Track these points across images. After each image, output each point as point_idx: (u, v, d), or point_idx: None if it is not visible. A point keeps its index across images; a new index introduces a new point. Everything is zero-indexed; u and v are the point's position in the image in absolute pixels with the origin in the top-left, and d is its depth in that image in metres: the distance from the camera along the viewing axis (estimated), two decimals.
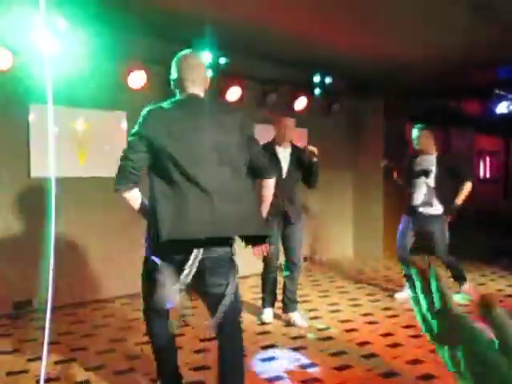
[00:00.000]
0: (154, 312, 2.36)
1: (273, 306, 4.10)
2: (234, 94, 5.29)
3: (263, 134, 5.81)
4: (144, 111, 2.15)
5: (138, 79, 4.58)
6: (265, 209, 2.56)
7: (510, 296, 4.80)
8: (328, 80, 5.89)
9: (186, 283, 2.13)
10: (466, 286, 4.55)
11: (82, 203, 4.53)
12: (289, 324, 3.92)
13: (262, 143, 3.64)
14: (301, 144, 4.17)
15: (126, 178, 2.15)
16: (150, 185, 2.15)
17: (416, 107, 7.16)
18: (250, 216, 2.22)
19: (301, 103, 5.93)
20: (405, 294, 4.57)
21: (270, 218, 3.56)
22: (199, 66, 2.26)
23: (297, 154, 3.84)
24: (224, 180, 2.14)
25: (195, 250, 2.10)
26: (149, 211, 2.17)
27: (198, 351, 3.23)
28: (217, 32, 4.63)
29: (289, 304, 3.99)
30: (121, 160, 2.17)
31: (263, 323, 3.97)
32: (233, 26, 4.51)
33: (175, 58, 2.27)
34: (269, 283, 4.05)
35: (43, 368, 2.14)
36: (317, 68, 5.80)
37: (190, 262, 2.10)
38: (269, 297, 4.07)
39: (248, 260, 5.96)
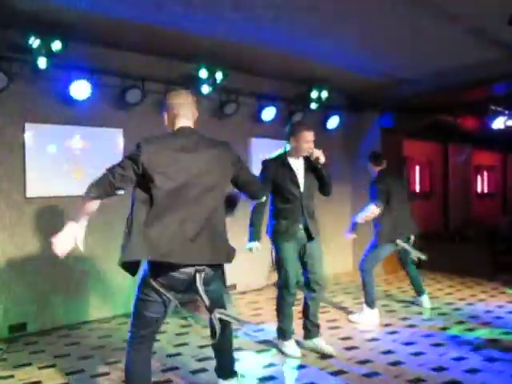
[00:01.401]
0: (141, 343, 2.31)
1: (292, 334, 3.64)
2: (230, 108, 5.30)
3: (258, 147, 5.88)
4: (141, 139, 2.27)
5: (134, 96, 4.57)
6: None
7: (510, 313, 4.73)
8: (325, 94, 5.91)
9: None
10: None
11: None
12: (315, 351, 3.59)
13: (269, 156, 3.61)
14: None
15: (104, 188, 2.21)
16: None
17: (411, 123, 7.19)
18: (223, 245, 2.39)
19: (297, 118, 5.94)
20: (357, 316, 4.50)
21: (286, 239, 3.46)
22: (192, 104, 2.43)
23: (309, 164, 3.56)
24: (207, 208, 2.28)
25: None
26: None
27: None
28: (213, 49, 4.67)
29: (312, 329, 3.64)
30: (107, 171, 2.23)
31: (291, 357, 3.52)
32: (228, 44, 4.54)
33: (169, 95, 2.46)
34: (288, 310, 3.58)
35: None
36: (313, 83, 5.82)
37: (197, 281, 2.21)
38: (290, 326, 3.61)
39: (246, 275, 5.92)
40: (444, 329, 4.20)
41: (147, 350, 2.33)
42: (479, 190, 12.53)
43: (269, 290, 5.84)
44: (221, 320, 2.28)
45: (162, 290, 2.19)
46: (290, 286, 3.50)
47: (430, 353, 3.60)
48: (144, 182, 2.20)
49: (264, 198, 2.94)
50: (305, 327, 3.68)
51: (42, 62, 3.93)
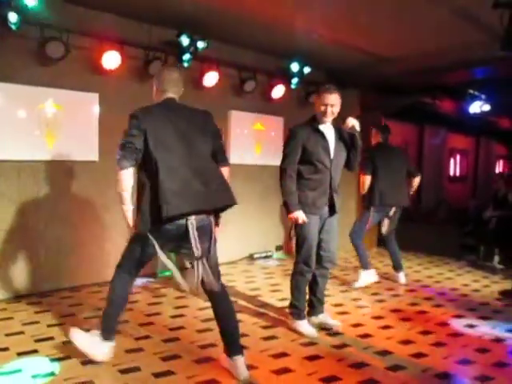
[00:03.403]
0: (127, 272, 2.74)
1: (305, 313, 3.54)
2: (210, 79, 5.19)
3: (238, 120, 5.82)
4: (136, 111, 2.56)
5: (111, 60, 4.41)
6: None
7: (475, 291, 4.90)
8: (306, 70, 5.85)
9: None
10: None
11: (51, 189, 4.36)
12: (320, 327, 3.54)
13: (299, 123, 3.44)
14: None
15: (131, 155, 2.48)
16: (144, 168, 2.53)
17: (391, 103, 7.23)
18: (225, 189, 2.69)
19: (278, 92, 5.88)
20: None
21: (310, 211, 3.29)
22: (179, 80, 2.76)
23: (341, 134, 3.40)
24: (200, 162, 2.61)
25: (190, 222, 2.51)
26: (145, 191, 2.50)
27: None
28: (195, 15, 4.52)
29: (318, 306, 3.59)
30: (124, 140, 2.49)
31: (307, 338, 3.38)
32: (212, 10, 4.40)
33: (162, 72, 2.76)
34: (305, 287, 3.48)
35: None
36: (295, 57, 5.75)
37: (190, 231, 2.51)
38: (304, 305, 3.51)
39: (222, 248, 5.92)
40: (412, 304, 4.33)
41: (129, 278, 2.78)
42: (452, 173, 12.80)
43: (242, 262, 5.88)
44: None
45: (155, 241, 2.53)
46: (312, 262, 3.38)
47: (398, 327, 3.71)
48: (145, 150, 2.49)
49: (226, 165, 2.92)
50: (310, 304, 3.59)
51: (12, 17, 3.72)
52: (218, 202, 2.65)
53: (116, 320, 2.83)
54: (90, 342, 2.80)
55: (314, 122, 3.39)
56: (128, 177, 2.51)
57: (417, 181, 5.13)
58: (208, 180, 2.58)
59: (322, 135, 3.34)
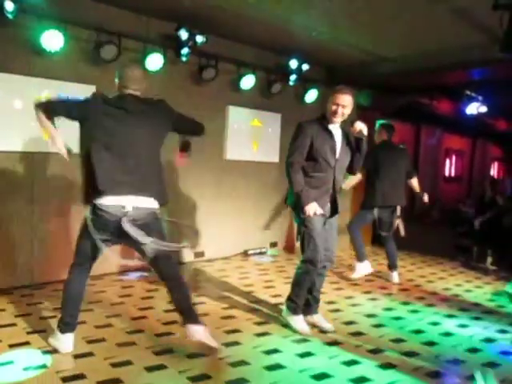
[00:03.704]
0: (80, 267, 2.93)
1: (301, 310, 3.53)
2: (208, 74, 5.17)
3: (236, 116, 5.81)
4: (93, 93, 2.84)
5: (109, 52, 4.38)
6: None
7: (467, 291, 4.94)
8: (305, 67, 5.83)
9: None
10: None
11: (46, 181, 4.34)
12: (314, 327, 3.52)
13: (308, 120, 3.41)
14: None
15: (52, 106, 2.79)
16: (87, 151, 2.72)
17: (389, 102, 7.24)
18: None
19: (276, 88, 5.87)
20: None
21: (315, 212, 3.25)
22: (142, 79, 2.90)
23: (347, 137, 3.40)
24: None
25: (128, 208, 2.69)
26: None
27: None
28: (195, 9, 4.50)
29: (314, 304, 3.58)
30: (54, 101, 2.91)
31: (299, 334, 3.39)
32: (211, 5, 4.38)
33: (122, 69, 2.90)
34: (308, 285, 3.43)
35: None
36: (294, 54, 5.73)
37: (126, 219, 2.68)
38: (302, 301, 3.48)
39: (217, 244, 5.91)
40: (405, 303, 4.35)
41: (83, 274, 2.97)
42: (447, 173, 12.85)
43: (237, 259, 5.89)
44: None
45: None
46: (319, 262, 3.32)
47: (390, 325, 3.73)
48: (86, 130, 2.76)
49: (203, 133, 3.15)
50: (306, 302, 3.55)
51: (9, 6, 3.68)
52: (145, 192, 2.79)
53: (76, 314, 2.94)
54: (54, 337, 2.96)
55: (324, 120, 3.37)
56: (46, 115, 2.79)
57: (415, 181, 5.22)
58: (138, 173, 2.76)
59: (330, 134, 3.33)
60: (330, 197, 3.38)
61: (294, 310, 3.48)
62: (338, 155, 3.35)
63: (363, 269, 5.11)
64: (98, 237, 2.72)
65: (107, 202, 2.68)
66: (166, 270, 2.90)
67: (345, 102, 3.27)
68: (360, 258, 5.11)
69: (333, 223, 3.46)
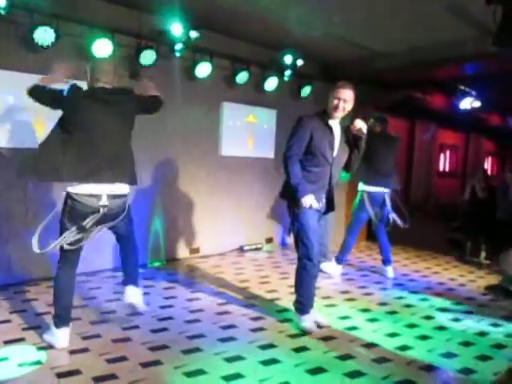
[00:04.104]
0: (69, 263, 2.95)
1: (310, 308, 3.48)
2: (203, 70, 5.15)
3: (230, 112, 5.79)
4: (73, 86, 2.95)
5: (102, 48, 4.35)
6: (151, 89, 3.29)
7: (461, 285, 4.97)
8: (300, 62, 5.83)
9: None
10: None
11: None
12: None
13: (308, 114, 3.40)
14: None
15: (42, 92, 2.97)
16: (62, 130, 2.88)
17: (383, 97, 7.24)
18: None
19: (271, 84, 5.86)
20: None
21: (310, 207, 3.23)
22: (110, 70, 3.13)
23: (346, 135, 3.39)
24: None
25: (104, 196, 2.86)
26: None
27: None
28: (188, 5, 4.47)
29: None
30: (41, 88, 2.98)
31: (306, 332, 3.35)
32: (206, 0, 4.37)
33: (92, 63, 3.22)
34: (310, 282, 3.38)
35: None
36: (289, 49, 5.72)
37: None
38: (309, 300, 3.42)
39: (212, 240, 5.91)
40: (399, 298, 4.38)
41: (71, 269, 2.98)
42: (441, 168, 12.90)
43: (232, 254, 5.90)
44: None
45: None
46: (315, 257, 3.31)
47: (385, 320, 3.75)
48: (65, 116, 2.90)
49: (161, 106, 3.27)
50: None
51: (1, 2, 3.66)
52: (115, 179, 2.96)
53: (68, 307, 2.99)
54: (49, 333, 3.00)
55: (324, 115, 3.38)
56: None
57: None
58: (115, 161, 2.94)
59: (330, 129, 3.33)
60: (326, 192, 3.38)
61: (302, 311, 3.44)
62: (335, 151, 3.35)
63: (333, 268, 5.13)
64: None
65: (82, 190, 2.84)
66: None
67: (346, 97, 3.28)
68: (337, 258, 5.18)
69: (327, 217, 3.48)
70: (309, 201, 3.24)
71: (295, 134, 3.34)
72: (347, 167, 3.53)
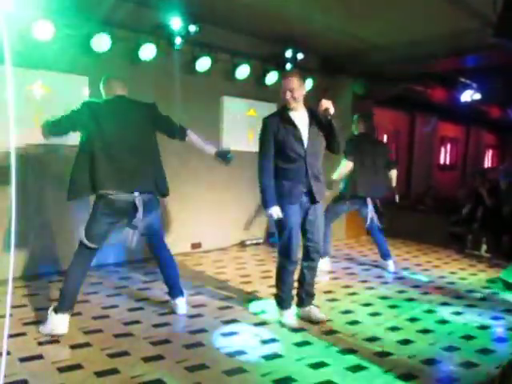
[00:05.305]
0: (90, 253, 3.14)
1: (291, 303, 3.51)
2: (203, 64, 5.12)
3: (231, 106, 5.77)
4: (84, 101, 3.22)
5: (101, 42, 4.33)
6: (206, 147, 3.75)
7: (462, 279, 4.97)
8: (300, 56, 5.79)
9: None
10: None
11: (40, 173, 4.31)
12: (307, 319, 3.47)
13: (271, 113, 3.38)
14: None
15: (60, 126, 3.15)
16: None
17: (383, 91, 7.21)
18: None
19: (271, 78, 5.83)
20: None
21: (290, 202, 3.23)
22: (124, 86, 3.35)
23: (315, 117, 3.24)
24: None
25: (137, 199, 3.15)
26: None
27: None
28: None
29: (306, 298, 3.52)
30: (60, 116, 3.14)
31: (285, 326, 3.37)
32: None
33: (109, 81, 3.34)
34: (289, 278, 3.40)
35: None
36: (289, 43, 5.69)
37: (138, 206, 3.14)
38: (289, 295, 3.45)
39: (213, 234, 5.91)
40: (400, 292, 4.38)
41: (86, 262, 3.18)
42: (442, 161, 12.86)
43: (234, 249, 5.89)
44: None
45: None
46: (292, 254, 3.29)
47: (386, 314, 3.75)
48: (85, 133, 3.11)
49: (182, 137, 3.59)
50: (299, 296, 3.54)
51: None
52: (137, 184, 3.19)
53: (74, 296, 3.15)
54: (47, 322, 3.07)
55: (284, 110, 3.30)
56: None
57: (394, 174, 5.17)
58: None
59: (292, 124, 3.23)
60: (306, 186, 3.27)
61: (281, 306, 3.47)
62: (306, 143, 3.23)
63: (322, 264, 4.77)
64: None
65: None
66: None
67: (291, 85, 3.19)
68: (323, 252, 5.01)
69: (317, 213, 3.35)
70: (274, 213, 3.23)
71: (261, 139, 3.31)
72: (330, 149, 3.38)
